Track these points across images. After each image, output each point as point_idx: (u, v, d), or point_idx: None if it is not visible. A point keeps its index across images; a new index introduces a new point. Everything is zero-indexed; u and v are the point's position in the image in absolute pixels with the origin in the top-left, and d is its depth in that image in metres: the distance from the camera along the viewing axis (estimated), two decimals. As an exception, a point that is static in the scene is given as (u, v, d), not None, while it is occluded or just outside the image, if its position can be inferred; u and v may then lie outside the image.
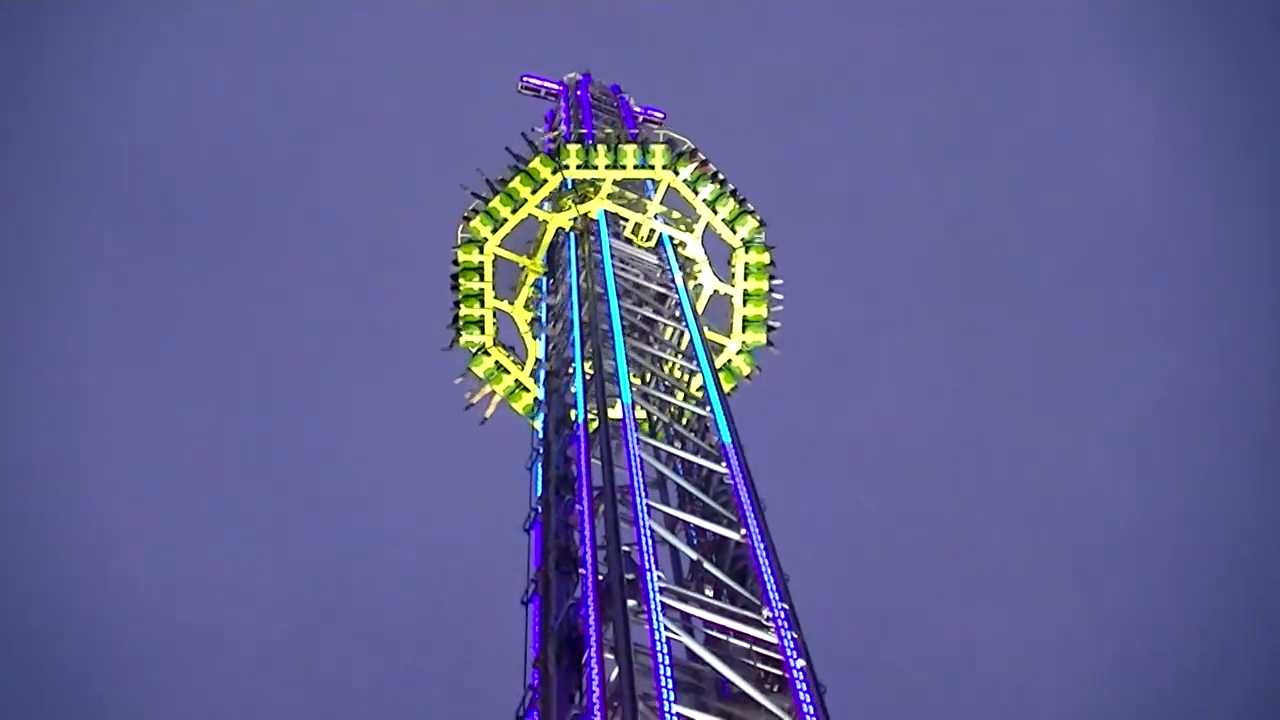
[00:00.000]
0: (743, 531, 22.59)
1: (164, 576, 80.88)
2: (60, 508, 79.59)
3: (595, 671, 17.85)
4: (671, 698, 16.90)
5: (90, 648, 75.69)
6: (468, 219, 38.03)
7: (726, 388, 38.03)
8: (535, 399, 37.06)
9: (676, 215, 39.00)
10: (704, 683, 19.12)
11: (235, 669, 78.53)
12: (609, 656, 18.08)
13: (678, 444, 26.92)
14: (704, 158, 38.22)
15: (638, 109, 49.04)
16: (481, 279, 38.07)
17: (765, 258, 38.23)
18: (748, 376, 38.83)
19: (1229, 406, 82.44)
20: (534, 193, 37.78)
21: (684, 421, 28.52)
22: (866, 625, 72.80)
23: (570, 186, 38.45)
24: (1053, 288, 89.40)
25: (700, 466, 25.55)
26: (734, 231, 38.11)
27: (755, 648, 19.57)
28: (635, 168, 37.95)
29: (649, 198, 38.73)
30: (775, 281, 38.45)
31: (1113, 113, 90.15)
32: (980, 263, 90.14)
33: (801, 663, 18.63)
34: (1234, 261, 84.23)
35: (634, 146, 37.87)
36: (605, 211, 37.86)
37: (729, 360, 38.66)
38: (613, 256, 36.26)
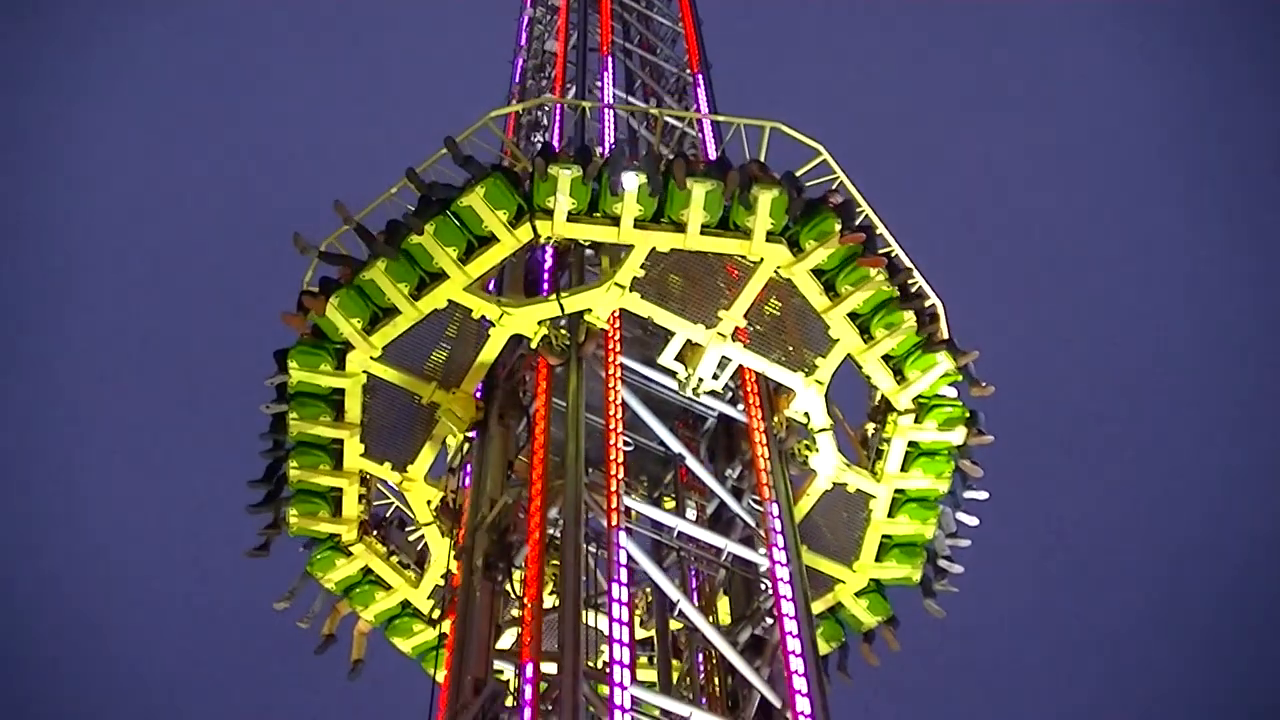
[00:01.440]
0: None
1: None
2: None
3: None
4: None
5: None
6: (305, 309, 16.75)
7: (825, 648, 18.87)
8: (441, 636, 17.23)
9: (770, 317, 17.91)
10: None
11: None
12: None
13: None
14: (868, 217, 16.76)
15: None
16: (339, 417, 17.23)
17: (957, 435, 17.65)
18: (868, 637, 19.17)
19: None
20: (467, 260, 16.40)
21: None
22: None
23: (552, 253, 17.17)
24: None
25: None
26: (901, 378, 17.28)
27: None
28: (708, 231, 16.43)
29: (724, 283, 17.39)
30: (974, 495, 18.06)
31: None
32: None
33: None
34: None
35: (709, 185, 16.18)
36: (623, 314, 16.85)
37: (837, 603, 18.90)
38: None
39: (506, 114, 18.30)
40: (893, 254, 16.96)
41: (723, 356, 17.04)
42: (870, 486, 17.92)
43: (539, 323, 16.63)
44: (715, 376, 17.21)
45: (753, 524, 15.96)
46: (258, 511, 17.55)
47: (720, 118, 19.20)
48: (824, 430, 17.51)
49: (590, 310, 16.56)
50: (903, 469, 17.81)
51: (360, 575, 18.42)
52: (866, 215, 16.74)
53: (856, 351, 17.04)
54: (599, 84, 20.77)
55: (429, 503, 17.90)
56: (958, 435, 17.54)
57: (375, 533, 18.45)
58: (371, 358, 16.79)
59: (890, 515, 18.11)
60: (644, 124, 20.17)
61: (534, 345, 16.69)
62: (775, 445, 17.17)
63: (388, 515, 18.77)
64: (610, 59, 20.76)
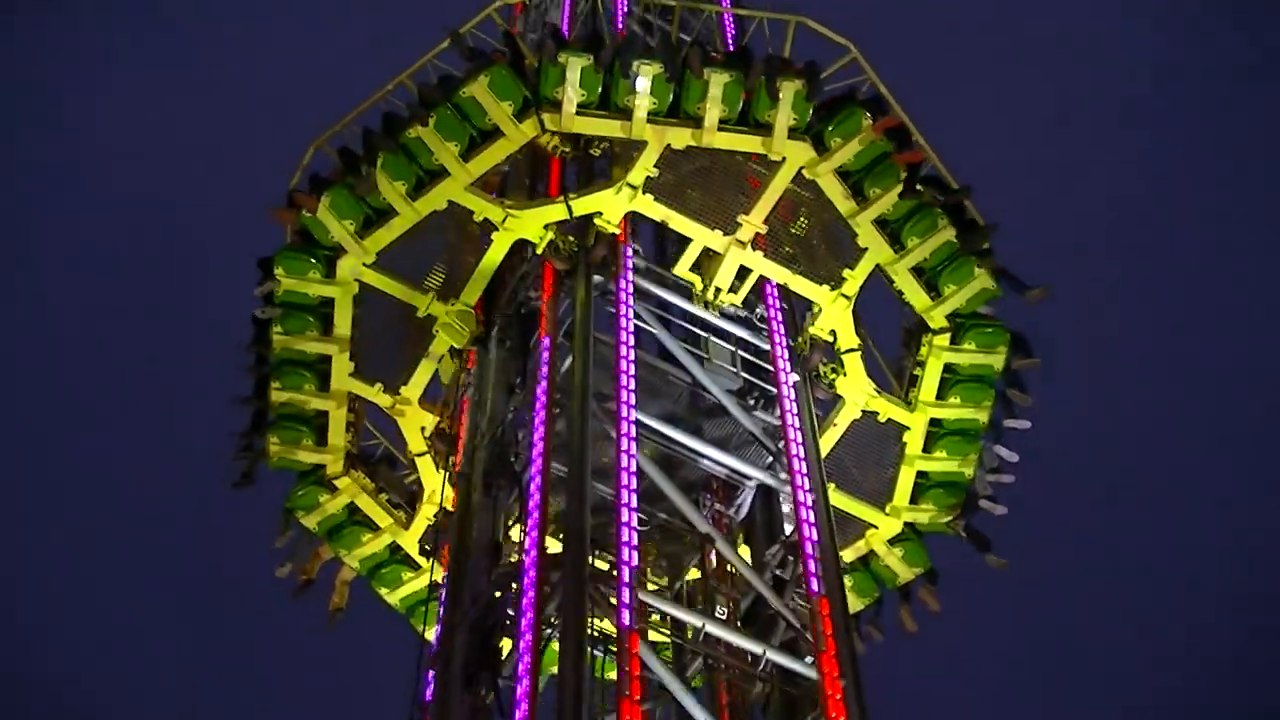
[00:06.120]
0: None
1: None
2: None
3: (543, 357, 14.06)
4: (632, 399, 13.33)
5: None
6: (295, 205, 15.58)
7: (856, 604, 17.41)
8: (433, 585, 15.75)
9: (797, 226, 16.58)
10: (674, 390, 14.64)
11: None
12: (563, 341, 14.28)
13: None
14: (897, 116, 15.50)
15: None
16: (326, 331, 16.00)
17: (998, 358, 16.28)
18: (904, 590, 17.66)
19: None
20: (469, 157, 15.21)
21: None
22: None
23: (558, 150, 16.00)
24: None
25: None
26: (936, 293, 15.95)
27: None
28: (726, 126, 15.18)
29: (744, 194, 16.03)
30: (1015, 424, 16.62)
31: None
32: None
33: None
34: None
35: (728, 76, 14.95)
36: (634, 217, 15.59)
37: (869, 551, 17.46)
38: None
39: (512, 3, 17.18)
40: (925, 166, 15.64)
41: (742, 266, 15.77)
42: (903, 416, 16.53)
43: (545, 227, 15.40)
44: (734, 290, 15.91)
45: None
46: (245, 438, 16.26)
47: (742, 11, 18.08)
48: (851, 350, 16.16)
49: (600, 215, 15.33)
50: (939, 397, 16.43)
51: (345, 515, 17.09)
52: (898, 116, 15.44)
53: (886, 262, 15.72)
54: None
55: (423, 429, 16.60)
56: (999, 358, 16.19)
57: (363, 468, 17.15)
58: (364, 264, 15.58)
59: (927, 450, 16.72)
60: (659, 15, 19.01)
61: (540, 251, 15.45)
62: (802, 370, 15.85)
63: (377, 455, 17.45)
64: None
